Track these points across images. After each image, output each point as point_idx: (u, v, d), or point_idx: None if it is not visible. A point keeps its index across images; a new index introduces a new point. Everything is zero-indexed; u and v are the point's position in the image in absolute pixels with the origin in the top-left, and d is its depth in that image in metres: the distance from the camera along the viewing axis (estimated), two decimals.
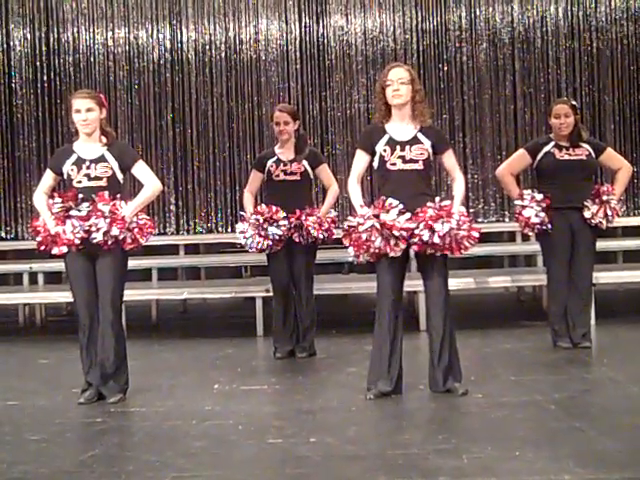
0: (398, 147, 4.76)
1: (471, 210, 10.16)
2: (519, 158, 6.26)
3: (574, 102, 6.19)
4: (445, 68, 10.34)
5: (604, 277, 7.52)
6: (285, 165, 6.21)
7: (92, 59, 10.65)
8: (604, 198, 5.99)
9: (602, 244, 9.02)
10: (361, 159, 4.89)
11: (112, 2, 10.62)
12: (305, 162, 6.23)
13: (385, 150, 4.78)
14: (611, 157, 6.20)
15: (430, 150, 4.80)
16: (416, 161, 4.77)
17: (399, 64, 4.99)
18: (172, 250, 9.83)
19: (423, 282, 4.87)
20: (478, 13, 10.30)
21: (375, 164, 4.84)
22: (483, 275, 7.72)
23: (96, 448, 4.00)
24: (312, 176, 6.28)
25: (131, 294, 7.88)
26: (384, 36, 10.43)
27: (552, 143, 6.11)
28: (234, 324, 8.36)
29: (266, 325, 7.30)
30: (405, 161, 4.76)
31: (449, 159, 4.93)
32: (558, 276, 6.07)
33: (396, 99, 4.78)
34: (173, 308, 9.44)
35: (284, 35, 10.52)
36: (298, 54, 10.50)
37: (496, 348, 6.28)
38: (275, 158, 6.25)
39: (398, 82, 4.76)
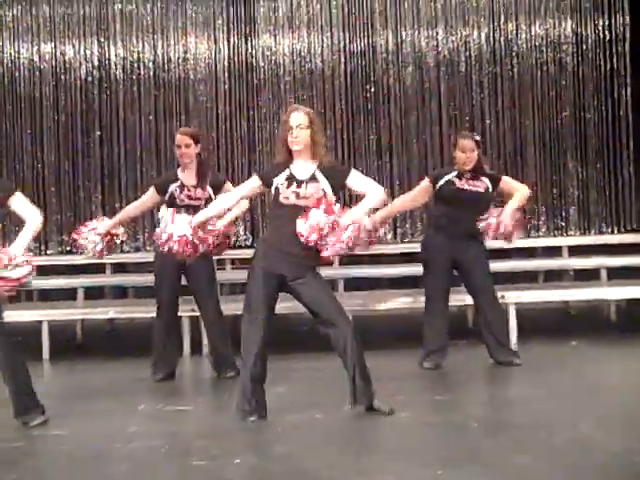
0: (294, 184, 4.84)
1: (399, 230, 10.31)
2: (422, 189, 6.49)
3: (477, 137, 6.44)
4: (372, 89, 10.48)
5: (526, 296, 7.70)
6: (189, 190, 6.12)
7: (17, 74, 10.49)
8: (494, 216, 6.25)
9: (523, 264, 9.33)
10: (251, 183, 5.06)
11: (38, 16, 10.48)
12: (209, 189, 6.14)
13: (282, 184, 4.85)
14: (507, 183, 6.43)
15: (328, 189, 4.86)
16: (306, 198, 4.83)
17: (297, 107, 5.03)
18: (99, 269, 9.71)
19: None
20: (404, 37, 10.47)
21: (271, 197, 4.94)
22: (412, 295, 7.80)
23: (12, 473, 3.93)
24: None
25: (55, 313, 7.80)
26: (312, 57, 10.52)
27: (454, 172, 6.35)
28: None
29: (193, 344, 7.27)
30: (299, 197, 4.83)
31: (355, 181, 4.95)
32: (433, 296, 6.31)
33: (295, 145, 4.86)
34: (99, 328, 9.31)
35: (212, 54, 10.54)
36: (227, 73, 10.51)
37: (420, 368, 6.35)
38: (179, 182, 6.14)
39: (297, 128, 4.84)
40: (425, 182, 6.51)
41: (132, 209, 6.40)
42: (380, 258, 9.47)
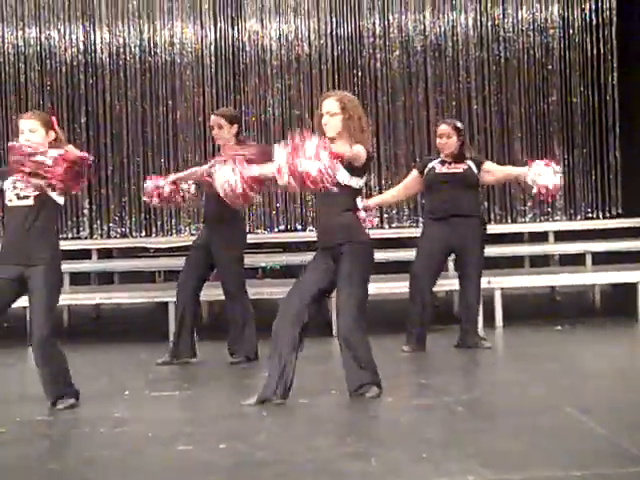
0: None
1: (385, 216, 10.31)
2: (412, 179, 6.56)
3: (459, 124, 6.47)
4: (359, 74, 10.46)
5: (511, 281, 7.72)
6: None
7: (1, 59, 10.41)
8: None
9: (509, 249, 9.35)
10: None
11: (23, 1, 10.39)
12: None
13: None
14: (492, 165, 6.54)
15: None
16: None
17: (330, 94, 4.94)
18: (85, 254, 9.68)
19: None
20: (391, 20, 10.45)
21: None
22: (398, 280, 7.81)
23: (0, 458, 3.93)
24: None
25: None
26: (299, 41, 10.49)
27: (438, 159, 6.42)
28: (147, 329, 8.29)
29: None
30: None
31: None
32: (418, 281, 6.32)
33: (328, 132, 4.76)
34: (86, 314, 9.29)
35: (199, 39, 10.48)
36: (213, 58, 10.47)
37: (406, 352, 6.37)
38: None
39: (327, 115, 4.79)
40: (414, 172, 6.59)
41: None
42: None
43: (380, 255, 9.08)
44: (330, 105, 4.81)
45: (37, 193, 4.66)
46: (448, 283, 7.38)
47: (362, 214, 5.00)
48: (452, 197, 6.27)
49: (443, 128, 6.36)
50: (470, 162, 6.37)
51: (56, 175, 4.51)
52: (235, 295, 6.19)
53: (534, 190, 6.10)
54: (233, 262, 6.17)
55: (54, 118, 4.90)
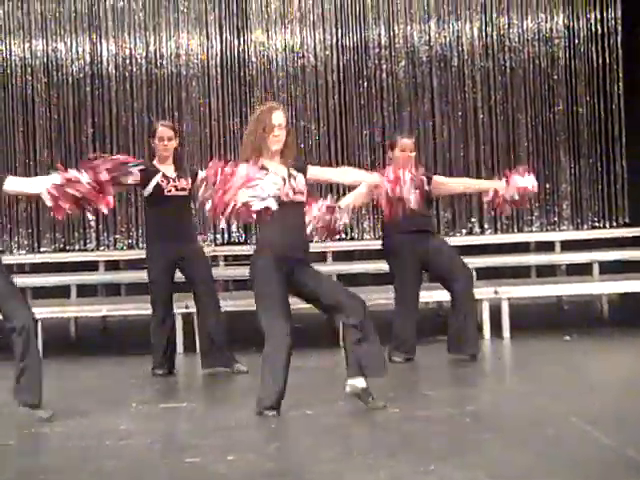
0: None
1: (378, 226, 10.29)
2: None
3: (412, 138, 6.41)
4: (365, 84, 10.48)
5: (518, 291, 7.70)
6: (174, 181, 6.11)
7: (9, 71, 10.46)
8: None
9: (516, 259, 9.33)
10: None
11: (29, 13, 10.45)
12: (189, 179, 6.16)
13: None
14: (441, 179, 6.45)
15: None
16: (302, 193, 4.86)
17: (277, 106, 4.95)
18: (92, 266, 9.70)
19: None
20: (397, 31, 10.47)
21: None
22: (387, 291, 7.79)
23: (7, 471, 3.93)
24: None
25: (48, 311, 7.78)
26: (305, 52, 10.52)
27: None
28: None
29: (186, 342, 7.26)
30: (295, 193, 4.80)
31: (317, 170, 5.06)
32: (403, 296, 6.35)
33: (276, 145, 4.80)
34: (93, 325, 9.30)
35: (205, 50, 10.52)
36: (219, 69, 10.51)
37: (413, 363, 6.36)
38: (160, 174, 6.10)
39: (279, 128, 4.79)
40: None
41: None
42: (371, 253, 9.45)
43: (371, 266, 9.06)
44: (281, 118, 4.81)
45: None
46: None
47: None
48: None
49: (406, 142, 6.29)
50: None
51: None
52: None
53: (510, 195, 6.03)
54: None
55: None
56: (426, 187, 6.17)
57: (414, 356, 6.33)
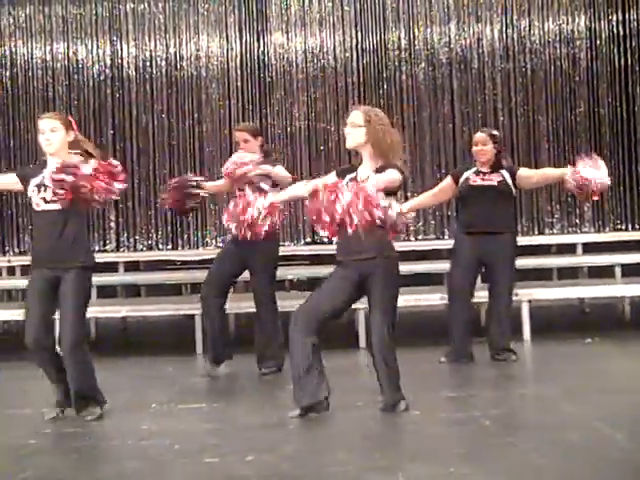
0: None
1: (411, 228, 10.27)
2: (446, 185, 6.49)
3: (495, 132, 6.46)
4: (385, 87, 10.46)
5: (539, 293, 7.66)
6: None
7: (30, 74, 10.53)
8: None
9: (537, 261, 9.27)
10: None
11: (51, 16, 10.52)
12: None
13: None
14: (525, 172, 6.44)
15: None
16: None
17: (357, 106, 4.97)
18: (111, 267, 9.73)
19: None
20: (417, 33, 10.45)
21: None
22: (422, 292, 7.80)
23: (27, 470, 3.94)
24: None
25: None
26: (324, 54, 10.51)
27: (473, 169, 6.35)
28: (174, 342, 8.30)
29: (205, 343, 7.25)
30: None
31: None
32: (457, 295, 6.34)
33: (347, 142, 4.83)
34: (113, 326, 9.33)
35: (225, 52, 10.54)
36: (239, 71, 10.52)
37: (433, 365, 6.34)
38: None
39: (349, 125, 4.78)
40: (447, 179, 6.54)
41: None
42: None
43: (405, 267, 9.10)
44: (355, 116, 4.80)
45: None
46: (477, 295, 7.34)
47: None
48: (484, 211, 6.20)
49: (480, 136, 6.32)
50: (505, 172, 6.30)
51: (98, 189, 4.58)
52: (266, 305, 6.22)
53: (572, 183, 5.89)
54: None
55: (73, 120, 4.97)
56: (509, 181, 6.22)
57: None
